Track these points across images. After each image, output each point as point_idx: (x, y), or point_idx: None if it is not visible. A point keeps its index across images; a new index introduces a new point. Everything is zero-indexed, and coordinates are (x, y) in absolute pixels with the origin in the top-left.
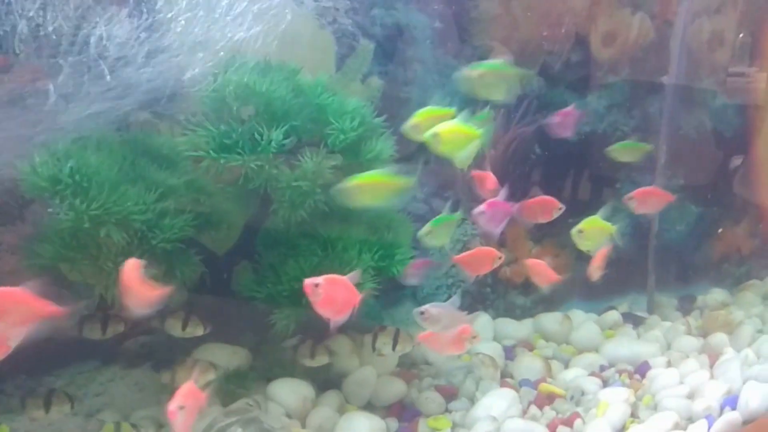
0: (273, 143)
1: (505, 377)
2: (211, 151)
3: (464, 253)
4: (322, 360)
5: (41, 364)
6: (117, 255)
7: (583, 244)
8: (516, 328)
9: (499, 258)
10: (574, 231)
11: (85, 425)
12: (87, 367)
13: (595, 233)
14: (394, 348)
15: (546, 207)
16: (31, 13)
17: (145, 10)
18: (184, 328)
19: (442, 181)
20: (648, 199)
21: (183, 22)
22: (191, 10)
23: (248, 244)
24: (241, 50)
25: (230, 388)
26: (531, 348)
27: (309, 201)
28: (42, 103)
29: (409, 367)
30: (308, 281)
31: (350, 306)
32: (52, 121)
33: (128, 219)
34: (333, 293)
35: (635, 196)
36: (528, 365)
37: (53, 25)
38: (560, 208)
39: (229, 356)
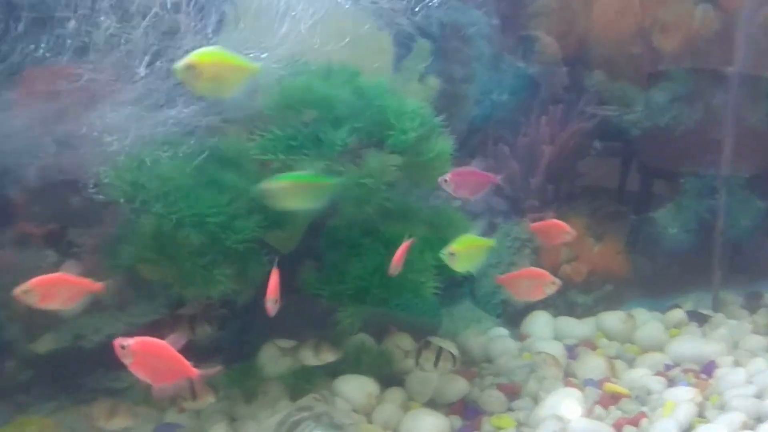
0: (338, 143)
1: (568, 376)
2: (279, 154)
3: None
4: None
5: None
6: (194, 256)
7: (458, 266)
8: (577, 327)
9: (568, 233)
10: (444, 254)
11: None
12: None
13: (471, 253)
14: (436, 365)
15: (555, 231)
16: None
17: (210, 16)
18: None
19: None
20: (467, 181)
21: (246, 27)
22: (253, 14)
23: (311, 243)
24: (303, 54)
25: (297, 383)
26: (593, 347)
27: (374, 198)
28: (118, 110)
29: (470, 365)
30: (116, 341)
31: (176, 375)
32: (129, 127)
33: (204, 221)
34: (149, 358)
35: (451, 178)
36: (591, 364)
37: (126, 33)
38: (569, 233)
39: (294, 353)
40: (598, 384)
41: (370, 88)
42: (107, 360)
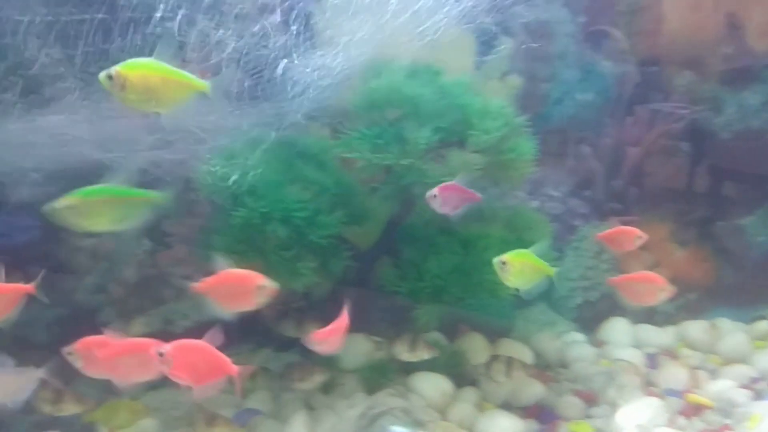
0: (422, 141)
1: (648, 385)
2: (365, 152)
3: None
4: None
5: None
6: (280, 249)
7: (509, 279)
8: (657, 335)
9: (639, 237)
10: (496, 262)
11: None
12: (243, 349)
13: (526, 270)
14: (508, 375)
15: (625, 237)
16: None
17: (297, 17)
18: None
19: (580, 179)
20: (452, 197)
21: (332, 26)
22: (339, 14)
23: (389, 240)
24: (387, 52)
25: (373, 377)
26: (674, 356)
27: None
28: (209, 107)
29: (545, 369)
30: (153, 349)
31: (216, 374)
32: (220, 124)
33: (290, 216)
34: (187, 361)
35: (440, 192)
36: (673, 374)
37: (218, 32)
38: (639, 237)
39: (371, 347)
40: (680, 394)
41: (452, 87)
42: None
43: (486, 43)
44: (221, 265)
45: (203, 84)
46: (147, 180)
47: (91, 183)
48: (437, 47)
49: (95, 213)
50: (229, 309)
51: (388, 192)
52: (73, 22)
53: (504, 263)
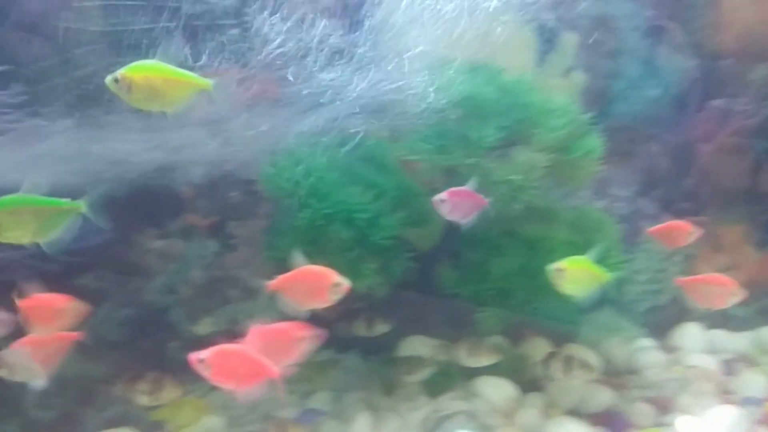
0: (486, 140)
1: (724, 393)
2: (428, 153)
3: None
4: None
5: None
6: (343, 250)
7: (565, 286)
8: (733, 341)
9: (692, 232)
10: (551, 269)
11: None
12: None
13: (581, 277)
14: (567, 374)
15: (677, 233)
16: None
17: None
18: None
19: (648, 179)
20: (462, 203)
21: (391, 26)
22: (399, 15)
23: (450, 242)
24: (446, 51)
25: (436, 380)
26: (752, 363)
27: (523, 196)
28: (272, 111)
29: (614, 376)
30: (192, 357)
31: (257, 377)
32: (283, 127)
33: (352, 217)
34: (228, 366)
35: (449, 197)
36: (751, 382)
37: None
38: (692, 233)
39: (434, 350)
40: (759, 403)
41: (514, 85)
42: None
43: (548, 39)
44: (297, 262)
45: (206, 83)
46: (209, 183)
47: (157, 187)
48: (497, 44)
49: (12, 224)
50: (303, 306)
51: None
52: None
53: (560, 270)
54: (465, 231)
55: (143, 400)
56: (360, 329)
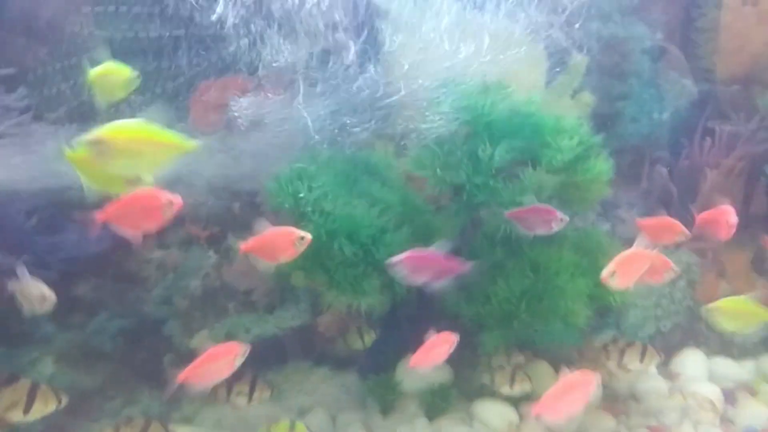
0: (496, 159)
1: (725, 422)
2: (435, 169)
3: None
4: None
5: (263, 360)
6: (346, 266)
7: (723, 324)
8: (735, 369)
9: (682, 233)
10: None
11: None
12: (301, 367)
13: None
14: (642, 361)
15: (666, 230)
16: (272, 39)
17: (367, 35)
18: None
19: (654, 202)
20: (425, 267)
21: (401, 42)
22: (409, 32)
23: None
24: (456, 69)
25: (434, 402)
26: (753, 392)
27: None
28: (279, 124)
29: (614, 402)
30: None
31: None
32: (288, 140)
33: (356, 233)
34: None
35: (405, 261)
36: (752, 411)
37: (288, 49)
38: (681, 233)
39: (431, 371)
40: None
41: (525, 104)
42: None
43: (558, 60)
44: (261, 225)
45: (192, 145)
46: (209, 193)
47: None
48: (508, 64)
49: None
50: (273, 262)
51: (456, 211)
52: (145, 39)
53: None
54: (469, 250)
55: None
56: (353, 341)
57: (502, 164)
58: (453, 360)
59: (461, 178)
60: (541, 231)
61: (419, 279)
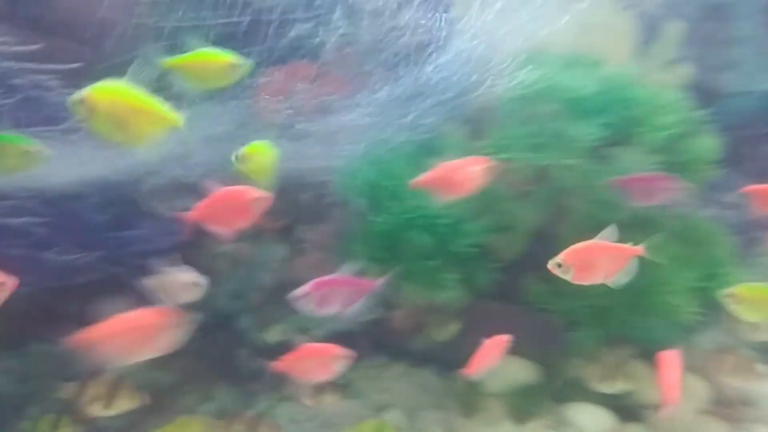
0: (587, 139)
1: None
2: (519, 152)
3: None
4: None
5: None
6: (423, 258)
7: (744, 314)
8: None
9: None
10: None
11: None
12: (376, 362)
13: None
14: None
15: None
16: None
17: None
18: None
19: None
20: (333, 293)
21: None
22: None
23: (537, 250)
24: (535, 42)
25: (522, 404)
26: None
27: (627, 203)
28: (347, 111)
29: (726, 406)
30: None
31: None
32: (359, 128)
33: (433, 223)
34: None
35: (313, 289)
36: None
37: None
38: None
39: (518, 371)
40: None
41: (616, 78)
42: None
43: (650, 28)
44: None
45: (176, 118)
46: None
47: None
48: (591, 32)
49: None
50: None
51: (542, 197)
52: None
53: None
54: (554, 239)
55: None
56: (432, 336)
57: (594, 144)
58: (541, 358)
59: (548, 160)
60: (653, 201)
61: (329, 309)
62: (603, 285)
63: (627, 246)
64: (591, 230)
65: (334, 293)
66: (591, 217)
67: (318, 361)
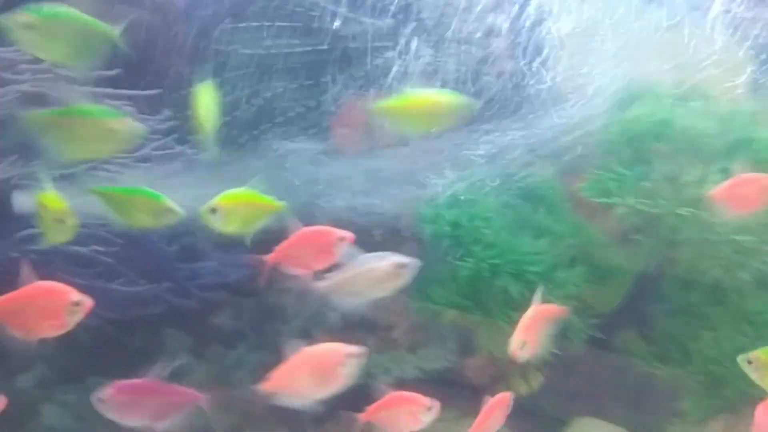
0: (706, 185)
1: None
2: (626, 196)
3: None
4: None
5: None
6: (510, 308)
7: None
8: None
9: None
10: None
11: None
12: (448, 416)
13: None
14: None
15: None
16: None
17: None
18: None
19: None
20: None
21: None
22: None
23: (636, 304)
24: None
25: None
26: None
27: (753, 262)
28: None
29: None
30: None
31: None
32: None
33: (523, 270)
34: None
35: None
36: None
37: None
38: None
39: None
40: None
41: (734, 116)
42: None
43: (763, 59)
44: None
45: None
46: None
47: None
48: (703, 66)
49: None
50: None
51: (649, 246)
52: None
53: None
54: (657, 292)
55: None
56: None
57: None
58: (636, 424)
59: (662, 207)
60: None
61: (132, 421)
62: (718, 350)
63: None
64: (699, 288)
65: (143, 402)
66: (720, 274)
67: (405, 411)
